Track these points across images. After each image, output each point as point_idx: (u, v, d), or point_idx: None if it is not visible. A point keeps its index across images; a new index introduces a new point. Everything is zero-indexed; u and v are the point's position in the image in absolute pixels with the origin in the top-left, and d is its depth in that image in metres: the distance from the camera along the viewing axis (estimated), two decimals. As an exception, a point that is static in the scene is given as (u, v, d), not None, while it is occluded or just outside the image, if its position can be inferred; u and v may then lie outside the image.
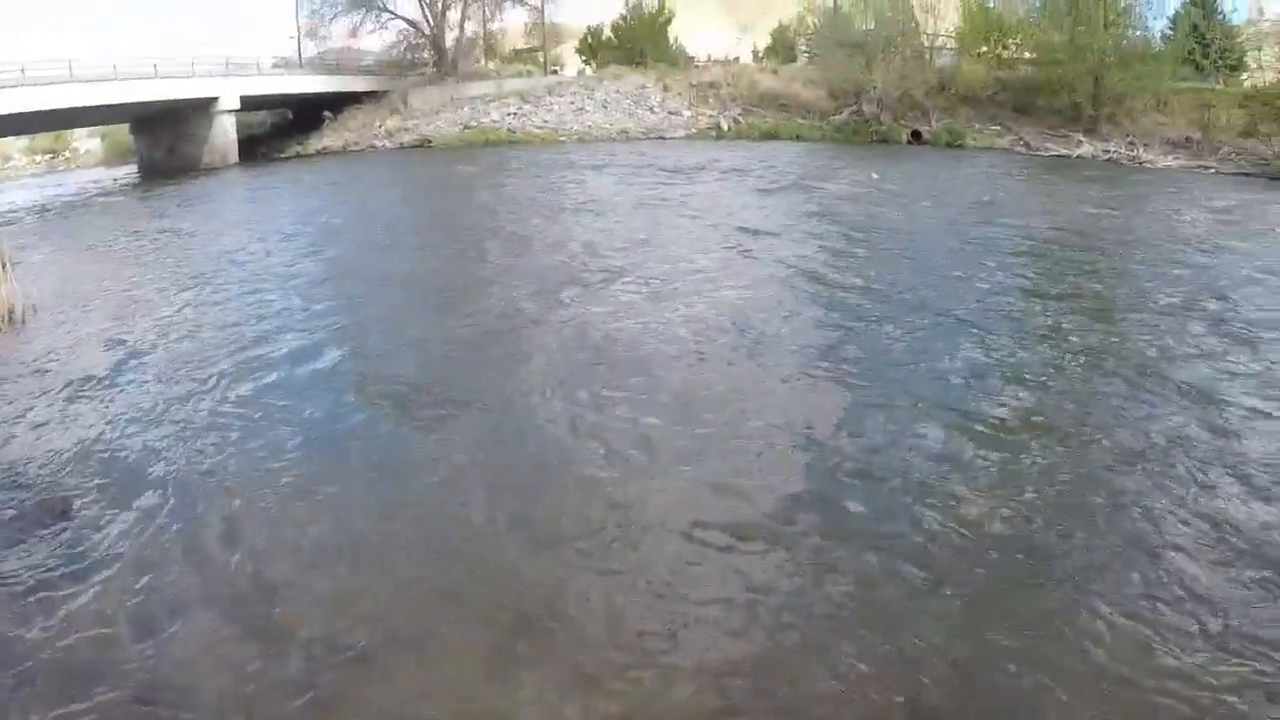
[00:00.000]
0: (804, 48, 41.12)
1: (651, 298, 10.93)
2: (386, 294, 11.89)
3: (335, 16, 41.45)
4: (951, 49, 36.74)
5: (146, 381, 8.67)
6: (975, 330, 9.58)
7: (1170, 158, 31.26)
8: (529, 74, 42.76)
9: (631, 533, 5.47)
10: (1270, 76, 34.36)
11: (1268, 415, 7.21)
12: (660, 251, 13.77)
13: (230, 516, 5.82)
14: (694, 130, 36.25)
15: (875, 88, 33.41)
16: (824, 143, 32.96)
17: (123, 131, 38.00)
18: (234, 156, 32.90)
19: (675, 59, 42.87)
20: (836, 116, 34.19)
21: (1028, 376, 8.20)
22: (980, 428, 6.95)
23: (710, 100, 37.80)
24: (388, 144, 36.39)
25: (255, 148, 35.76)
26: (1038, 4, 35.09)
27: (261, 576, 5.11)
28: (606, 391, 7.80)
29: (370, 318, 10.71)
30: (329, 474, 6.40)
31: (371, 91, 39.01)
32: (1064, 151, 31.32)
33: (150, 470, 6.56)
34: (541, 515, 5.78)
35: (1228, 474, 6.09)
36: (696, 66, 42.08)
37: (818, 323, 9.97)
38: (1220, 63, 34.96)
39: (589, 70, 43.97)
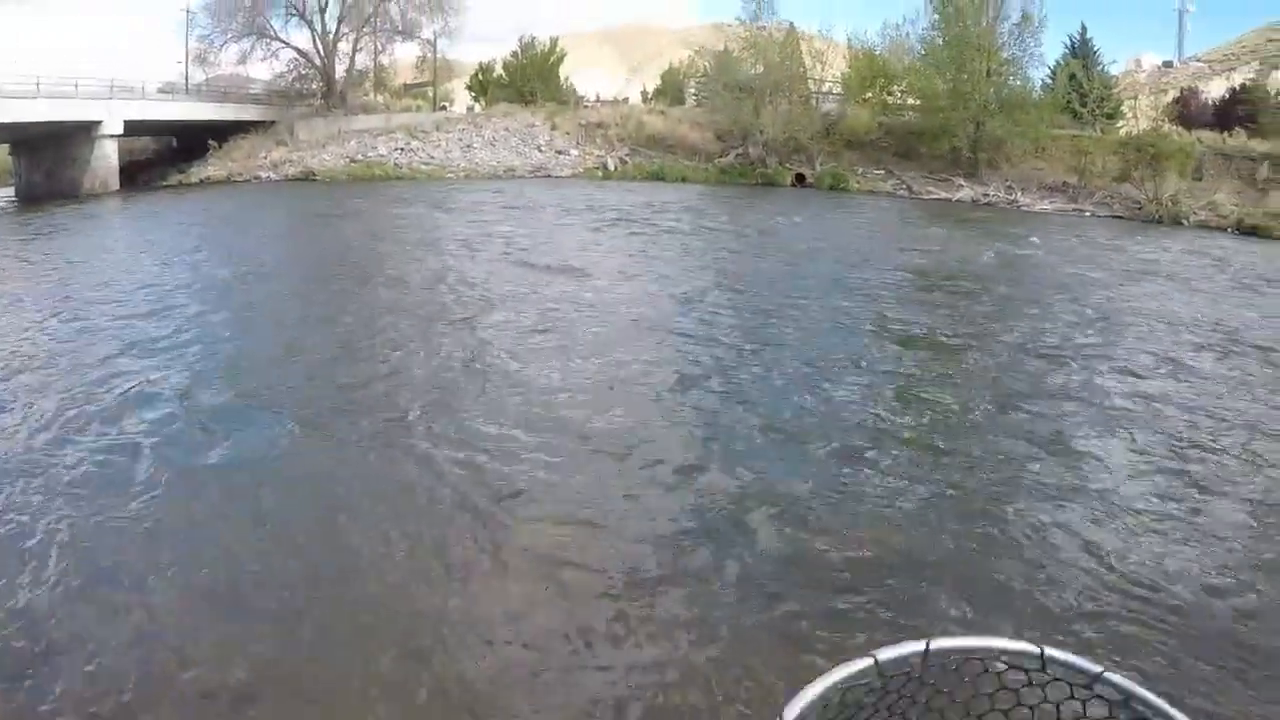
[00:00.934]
0: (693, 90, 41.08)
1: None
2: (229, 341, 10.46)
3: (225, 43, 39.97)
4: (838, 95, 37.03)
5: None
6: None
7: (1047, 201, 31.75)
8: (418, 109, 41.75)
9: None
10: (1145, 124, 35.24)
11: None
12: (513, 294, 12.82)
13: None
14: (581, 170, 35.66)
15: (762, 131, 33.29)
16: (709, 184, 32.61)
17: (3, 152, 35.90)
18: (115, 183, 30.89)
19: (565, 98, 42.34)
20: (723, 158, 33.96)
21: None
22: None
23: (598, 140, 37.32)
24: (272, 175, 34.84)
25: (137, 174, 33.84)
26: (922, 52, 35.54)
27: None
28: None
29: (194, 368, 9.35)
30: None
31: (258, 121, 37.44)
32: (945, 195, 31.58)
33: None
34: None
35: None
36: (585, 106, 41.64)
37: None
38: (1098, 111, 35.74)
39: (478, 107, 43.12)
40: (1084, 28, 39.08)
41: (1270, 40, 58.53)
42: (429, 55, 44.41)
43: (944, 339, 10.83)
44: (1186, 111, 38.20)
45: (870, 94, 36.11)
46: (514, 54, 43.83)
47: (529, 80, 42.41)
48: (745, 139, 33.75)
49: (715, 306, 12.24)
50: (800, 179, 32.56)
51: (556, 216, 22.81)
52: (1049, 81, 36.22)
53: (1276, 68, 47.86)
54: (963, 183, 31.80)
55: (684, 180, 33.34)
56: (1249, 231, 31.50)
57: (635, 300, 12.52)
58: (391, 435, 7.24)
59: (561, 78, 44.11)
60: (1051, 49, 39.92)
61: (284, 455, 6.97)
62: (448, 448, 6.90)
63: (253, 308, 12.21)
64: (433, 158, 36.35)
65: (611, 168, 35.31)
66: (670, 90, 44.56)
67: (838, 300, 12.74)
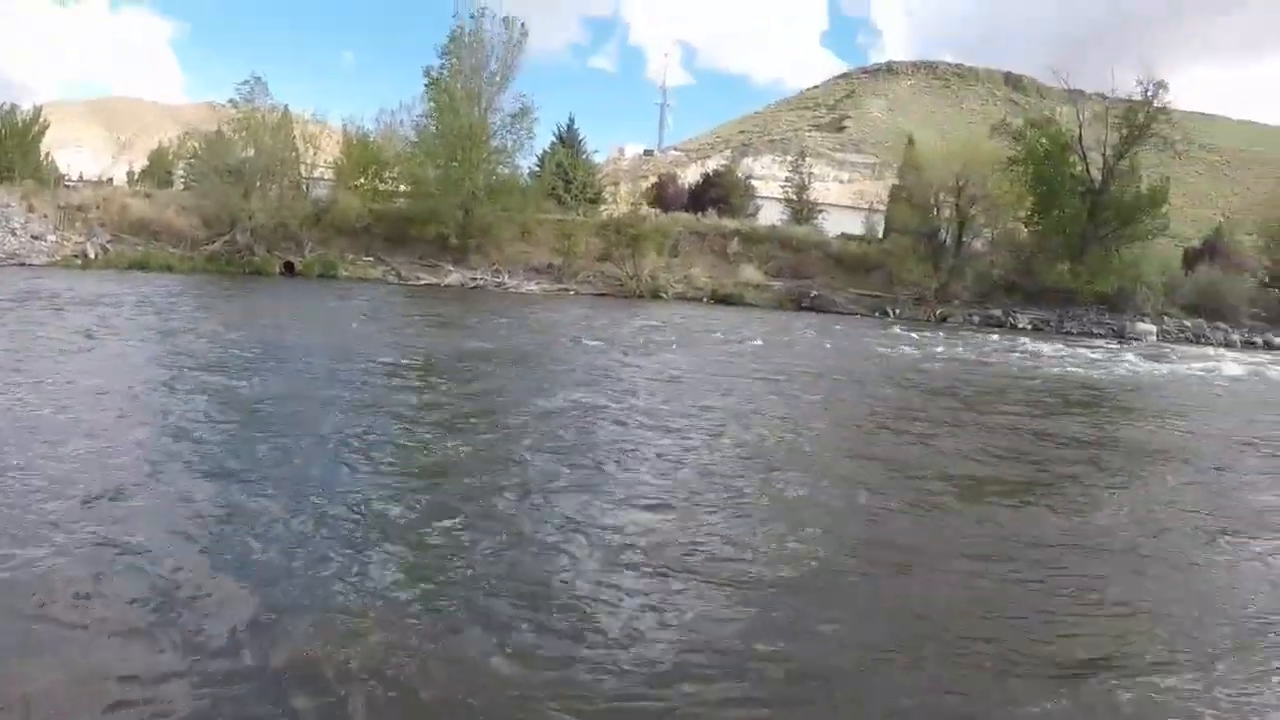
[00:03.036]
0: (182, 173, 39.10)
1: None
2: None
3: None
4: (329, 180, 36.89)
5: None
6: None
7: (533, 283, 33.72)
8: None
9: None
10: (625, 208, 38.81)
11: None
12: None
13: None
14: (59, 257, 32.00)
15: (251, 217, 32.04)
16: (194, 274, 30.66)
17: None
18: None
19: (45, 176, 38.32)
20: (209, 246, 32.17)
21: None
22: None
23: (79, 224, 33.73)
24: None
25: None
26: (416, 140, 36.51)
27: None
28: None
29: None
30: None
31: None
32: (434, 280, 32.34)
33: None
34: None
35: None
36: (67, 186, 37.87)
37: None
38: (581, 196, 38.87)
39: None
40: (572, 119, 42.63)
41: (741, 131, 68.39)
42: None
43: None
44: (664, 195, 42.90)
45: (363, 180, 36.32)
46: (-10, 126, 39.01)
47: (7, 153, 37.83)
48: (234, 225, 32.29)
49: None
50: (289, 267, 31.69)
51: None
52: (537, 169, 38.84)
53: (746, 155, 55.74)
54: (451, 268, 32.82)
55: (168, 269, 30.99)
56: (723, 300, 35.75)
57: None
58: None
59: (42, 153, 39.92)
60: (542, 138, 43.05)
61: None
62: None
63: None
64: (-121, 255, 31.01)
65: (92, 255, 32.07)
66: (158, 172, 41.94)
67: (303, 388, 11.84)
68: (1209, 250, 44.67)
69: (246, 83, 34.00)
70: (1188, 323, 36.48)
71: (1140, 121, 37.53)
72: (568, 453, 8.96)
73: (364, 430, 9.46)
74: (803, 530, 6.77)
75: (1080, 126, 38.33)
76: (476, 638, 4.72)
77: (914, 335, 27.65)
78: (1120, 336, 34.14)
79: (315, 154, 35.88)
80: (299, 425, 9.59)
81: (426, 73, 35.75)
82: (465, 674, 4.39)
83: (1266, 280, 42.01)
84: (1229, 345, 34.16)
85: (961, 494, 8.45)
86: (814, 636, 4.99)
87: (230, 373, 12.33)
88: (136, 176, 42.26)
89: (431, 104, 35.98)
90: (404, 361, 14.90)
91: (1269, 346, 34.57)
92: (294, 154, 34.67)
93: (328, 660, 4.35)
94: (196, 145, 36.14)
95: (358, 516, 6.53)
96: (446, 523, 6.49)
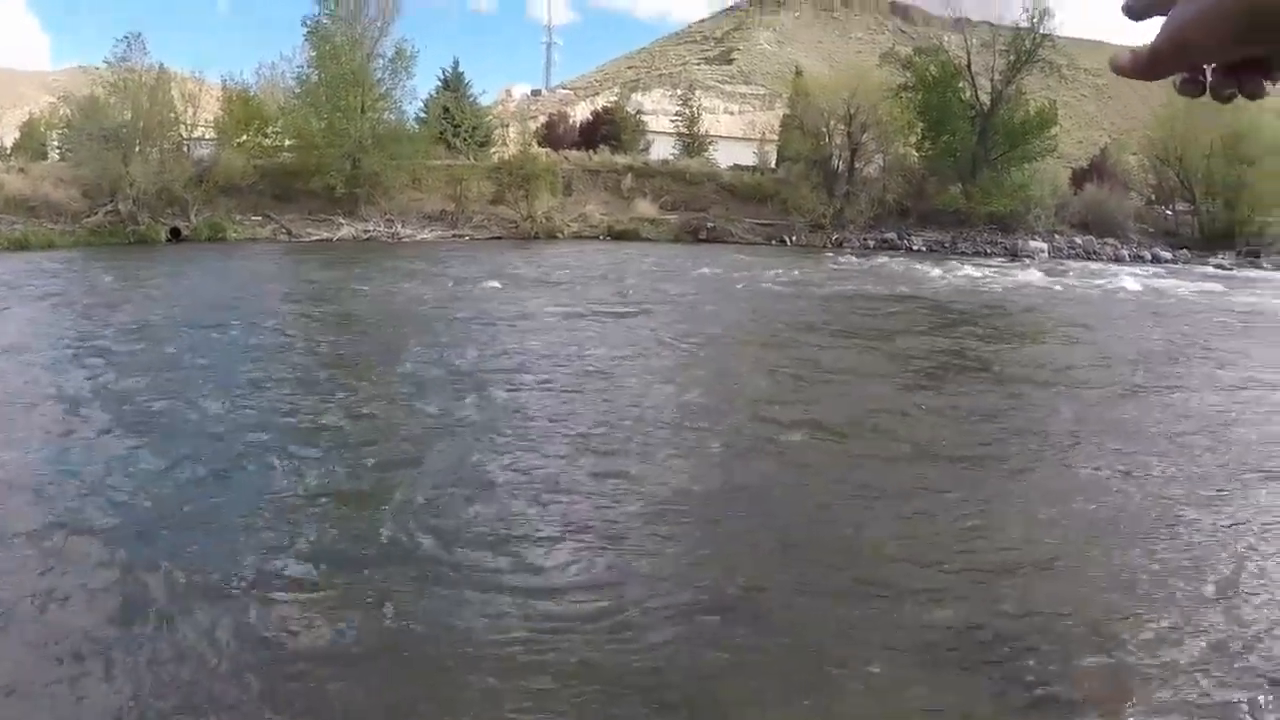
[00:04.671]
0: (56, 144, 37.80)
1: None
2: None
3: None
4: (212, 139, 36.10)
5: None
6: None
7: (428, 230, 33.89)
8: None
9: None
10: (515, 150, 38.91)
11: None
12: None
13: None
14: (-67, 245, 31.32)
15: (132, 184, 31.28)
16: (76, 248, 30.03)
17: None
18: None
19: (-95, 160, 36.80)
20: (91, 218, 31.32)
21: None
22: None
23: (-48, 209, 32.98)
24: None
25: None
26: (298, 91, 35.99)
27: None
28: None
29: None
30: None
31: None
32: (326, 235, 32.16)
33: None
34: None
35: None
36: (-65, 169, 36.55)
37: None
38: (470, 140, 38.88)
39: None
40: (456, 62, 42.40)
41: (629, 68, 68.85)
42: None
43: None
44: (555, 134, 43.13)
45: (246, 137, 35.62)
46: None
47: None
48: (115, 194, 31.43)
49: None
50: (175, 233, 31.02)
51: None
52: (423, 115, 38.66)
53: (635, 91, 56.00)
54: (343, 221, 32.70)
55: (51, 246, 30.37)
56: (619, 236, 36.41)
57: None
58: None
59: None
60: (427, 82, 42.67)
61: None
62: None
63: None
64: None
65: (-28, 238, 31.41)
66: (31, 144, 40.48)
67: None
68: (1096, 170, 46.84)
69: (124, 40, 32.67)
70: (1078, 239, 38.62)
71: (1027, 47, 39.18)
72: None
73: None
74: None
75: (969, 53, 39.65)
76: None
77: (806, 261, 28.90)
78: (1013, 254, 36.10)
79: (195, 113, 34.95)
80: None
81: (305, 21, 35.24)
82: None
83: (1151, 198, 44.45)
84: (1119, 260, 36.12)
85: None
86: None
87: (108, 352, 12.62)
88: (9, 151, 40.59)
89: (312, 53, 35.46)
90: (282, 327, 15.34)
91: (1157, 260, 36.55)
92: (173, 114, 33.74)
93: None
94: (70, 112, 34.95)
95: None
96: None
